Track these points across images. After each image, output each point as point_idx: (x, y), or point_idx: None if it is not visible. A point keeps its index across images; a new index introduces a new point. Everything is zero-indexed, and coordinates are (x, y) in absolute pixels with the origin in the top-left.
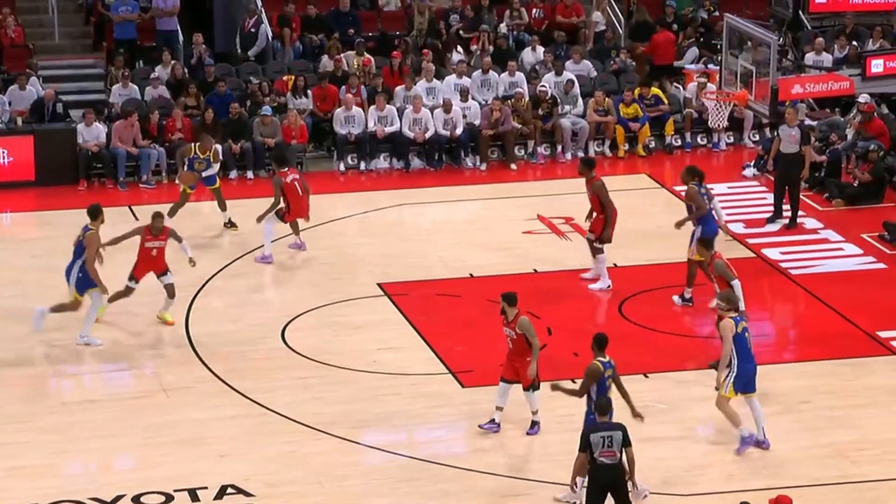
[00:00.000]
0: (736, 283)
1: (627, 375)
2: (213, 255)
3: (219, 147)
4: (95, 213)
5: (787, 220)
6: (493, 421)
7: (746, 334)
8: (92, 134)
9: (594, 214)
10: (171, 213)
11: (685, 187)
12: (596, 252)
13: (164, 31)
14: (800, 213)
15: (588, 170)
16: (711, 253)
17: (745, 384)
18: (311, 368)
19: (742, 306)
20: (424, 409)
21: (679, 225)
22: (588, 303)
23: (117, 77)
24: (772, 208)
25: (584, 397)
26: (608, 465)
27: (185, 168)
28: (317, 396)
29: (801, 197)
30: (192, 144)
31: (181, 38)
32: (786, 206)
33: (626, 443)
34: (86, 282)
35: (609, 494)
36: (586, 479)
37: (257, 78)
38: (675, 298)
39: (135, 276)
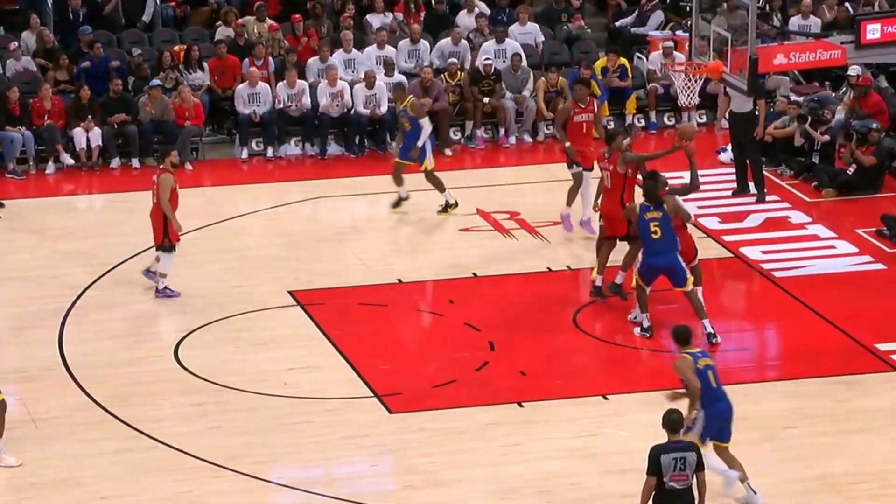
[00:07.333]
0: None
1: (584, 397)
2: (92, 259)
3: None
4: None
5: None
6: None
7: None
8: None
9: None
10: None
11: None
12: None
13: None
14: (776, 198)
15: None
16: None
17: None
18: (210, 393)
19: None
20: (344, 440)
21: None
22: (536, 313)
23: None
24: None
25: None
26: (678, 491)
27: None
28: (216, 426)
29: (761, 161)
30: None
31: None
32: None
33: (700, 466)
34: None
35: None
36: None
37: (143, 48)
38: None
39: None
